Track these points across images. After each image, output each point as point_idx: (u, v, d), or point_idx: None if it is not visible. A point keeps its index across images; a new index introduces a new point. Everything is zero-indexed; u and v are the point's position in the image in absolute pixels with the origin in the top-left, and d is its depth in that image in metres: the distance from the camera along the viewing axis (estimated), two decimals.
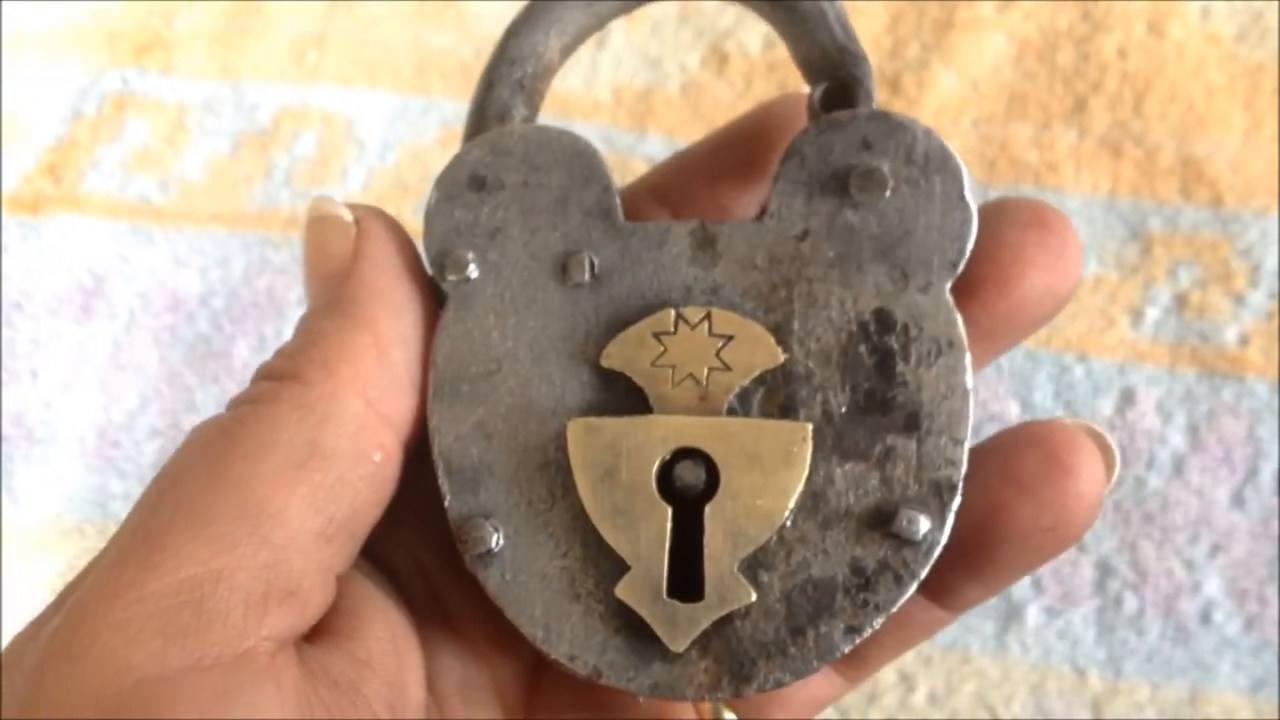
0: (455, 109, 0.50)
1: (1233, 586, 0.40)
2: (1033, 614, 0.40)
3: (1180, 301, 0.43)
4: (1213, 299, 0.43)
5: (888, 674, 0.40)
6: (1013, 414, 0.43)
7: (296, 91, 0.51)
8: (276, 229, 0.48)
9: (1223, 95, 0.46)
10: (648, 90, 0.49)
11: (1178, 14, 0.47)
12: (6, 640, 0.20)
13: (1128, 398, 0.42)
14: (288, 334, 0.46)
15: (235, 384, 0.46)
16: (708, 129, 0.48)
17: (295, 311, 0.47)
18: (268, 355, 0.47)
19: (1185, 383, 0.42)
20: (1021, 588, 0.41)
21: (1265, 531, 0.40)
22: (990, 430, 0.42)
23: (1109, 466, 0.21)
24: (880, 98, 0.48)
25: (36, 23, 0.53)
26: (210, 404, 0.46)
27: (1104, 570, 0.41)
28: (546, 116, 0.29)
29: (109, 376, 0.47)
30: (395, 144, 0.49)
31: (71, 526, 0.45)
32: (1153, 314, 0.43)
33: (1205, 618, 0.40)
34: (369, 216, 0.23)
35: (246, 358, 0.46)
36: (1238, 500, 0.41)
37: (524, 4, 0.24)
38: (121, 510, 0.45)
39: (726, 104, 0.48)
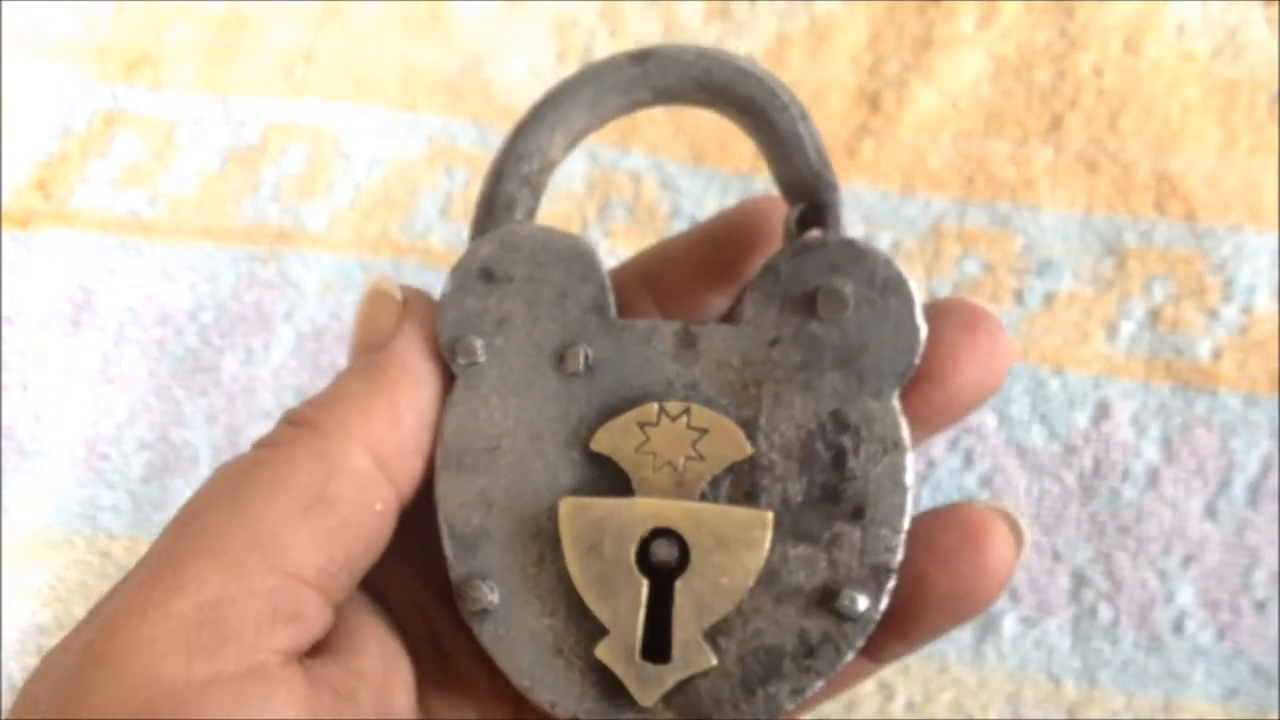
0: (441, 124, 0.50)
1: (1205, 597, 0.41)
2: (1009, 623, 0.41)
3: (1154, 316, 0.44)
4: (1186, 313, 0.44)
5: (866, 683, 0.41)
6: (990, 426, 0.43)
7: (285, 107, 0.51)
8: (265, 244, 0.49)
9: (1197, 112, 0.47)
10: None
11: (1153, 32, 0.48)
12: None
13: (1103, 410, 0.43)
14: (275, 348, 0.47)
15: (223, 397, 0.46)
16: (690, 146, 0.49)
17: (282, 326, 0.47)
18: (255, 369, 0.48)
19: (1159, 396, 0.43)
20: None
21: (1237, 542, 0.41)
22: (967, 442, 0.43)
23: (1019, 544, 0.24)
24: (860, 115, 0.48)
25: (28, 37, 0.53)
26: (198, 417, 0.46)
27: (1079, 581, 0.41)
28: None
29: (98, 390, 0.47)
30: (382, 159, 0.50)
31: (61, 538, 0.45)
32: (1127, 328, 0.44)
33: (1178, 627, 0.40)
34: (416, 298, 0.25)
35: (235, 371, 0.47)
36: (1210, 512, 0.41)
37: (534, 103, 0.27)
38: (110, 522, 0.45)
39: (709, 122, 0.48)
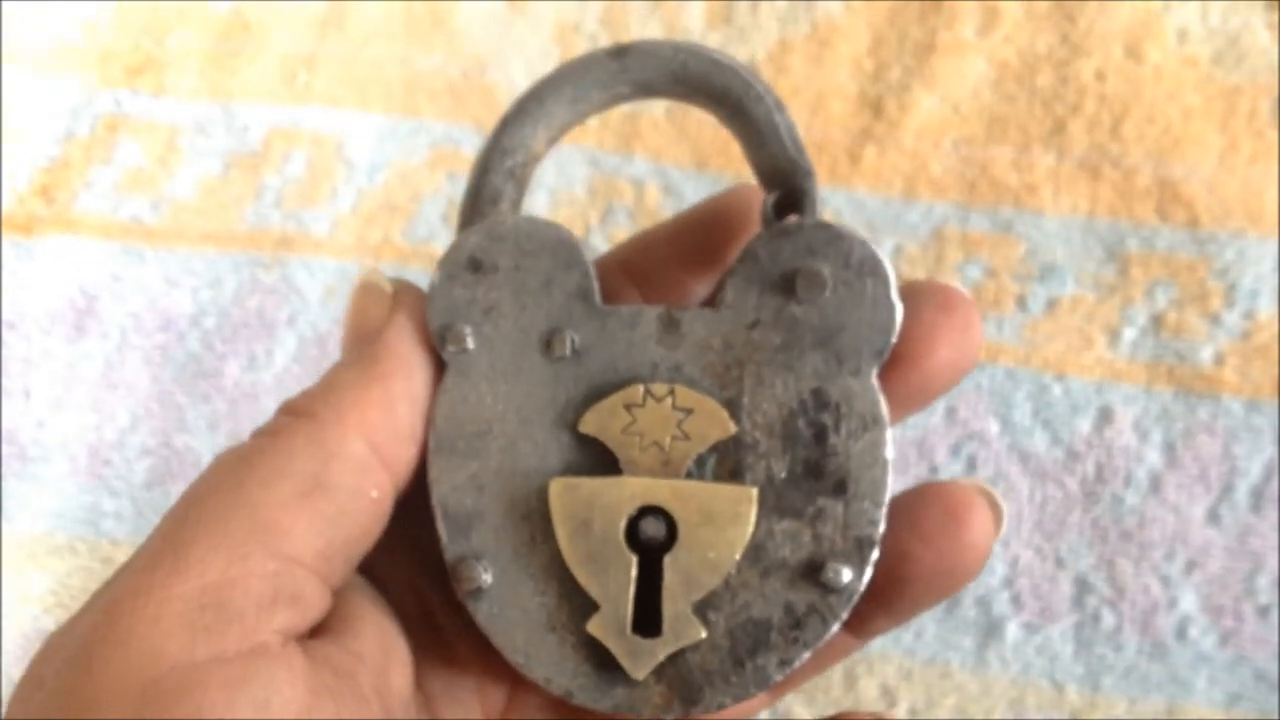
0: (444, 130, 0.50)
1: (1208, 602, 0.41)
2: (1012, 630, 0.41)
3: (1157, 321, 0.44)
4: (1189, 319, 0.44)
5: (870, 689, 0.41)
6: (992, 432, 0.43)
7: (287, 112, 0.51)
8: (267, 249, 0.49)
9: (1199, 118, 0.47)
10: (634, 113, 0.49)
11: (1155, 38, 0.48)
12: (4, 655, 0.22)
13: (1105, 416, 0.43)
14: (277, 353, 0.47)
15: (226, 403, 0.46)
16: (693, 151, 0.49)
17: (285, 331, 0.47)
18: (258, 374, 0.48)
19: (1162, 401, 0.43)
20: (1001, 604, 0.41)
21: (1240, 548, 0.41)
22: (970, 448, 0.43)
23: (997, 521, 0.25)
24: (862, 121, 0.48)
25: (31, 43, 0.53)
26: (201, 423, 0.46)
27: (1082, 587, 0.41)
28: None
29: (101, 395, 0.47)
30: (384, 165, 0.50)
31: (63, 544, 0.45)
32: (1130, 334, 0.44)
33: (1181, 633, 0.40)
34: (405, 290, 0.26)
35: (237, 377, 0.47)
36: (1213, 517, 0.41)
37: (516, 99, 0.28)
38: (113, 528, 0.45)
39: (711, 126, 0.49)
